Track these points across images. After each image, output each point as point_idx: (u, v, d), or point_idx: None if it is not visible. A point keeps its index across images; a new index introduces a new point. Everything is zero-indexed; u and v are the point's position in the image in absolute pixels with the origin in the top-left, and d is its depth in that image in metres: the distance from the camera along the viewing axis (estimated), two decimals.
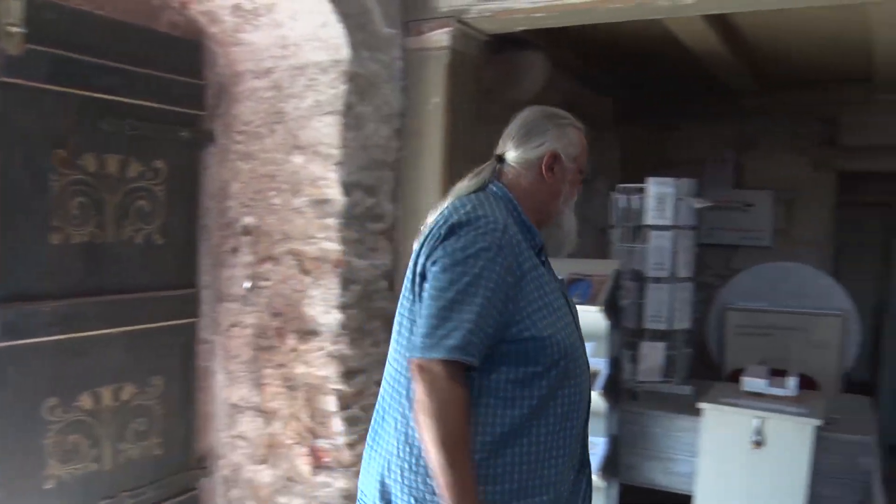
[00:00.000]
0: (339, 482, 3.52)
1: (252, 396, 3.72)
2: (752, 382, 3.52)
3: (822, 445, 3.53)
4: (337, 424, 3.50)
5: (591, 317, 3.48)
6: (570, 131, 2.08)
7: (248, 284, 3.69)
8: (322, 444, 3.55)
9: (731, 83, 5.76)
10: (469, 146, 4.00)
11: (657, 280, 3.98)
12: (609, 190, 4.37)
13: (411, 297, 1.94)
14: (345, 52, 3.41)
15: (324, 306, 3.48)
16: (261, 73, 3.65)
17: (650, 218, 3.95)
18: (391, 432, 1.93)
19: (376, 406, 2.04)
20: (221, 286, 3.77)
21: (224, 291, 3.77)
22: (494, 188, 2.05)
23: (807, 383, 4.81)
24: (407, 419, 1.89)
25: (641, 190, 4.01)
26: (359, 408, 3.57)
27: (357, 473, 3.50)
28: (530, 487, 1.85)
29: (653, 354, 4.00)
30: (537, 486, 1.85)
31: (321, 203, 3.47)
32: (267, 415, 3.68)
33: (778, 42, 4.96)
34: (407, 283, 1.97)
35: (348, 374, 3.50)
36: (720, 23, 4.44)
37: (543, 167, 2.05)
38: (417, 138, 3.72)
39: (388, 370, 2.01)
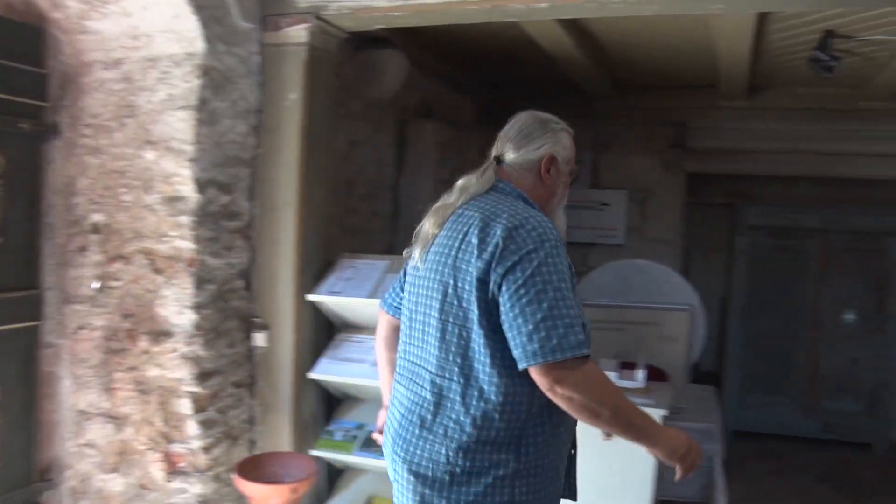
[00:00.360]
0: (195, 487, 3.43)
1: (101, 402, 3.57)
2: None
3: None
4: (192, 428, 3.41)
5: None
6: (563, 136, 2.21)
7: (96, 285, 3.53)
8: (176, 448, 3.44)
9: (586, 87, 5.95)
10: (328, 143, 3.97)
11: None
12: None
13: (457, 303, 1.97)
14: (199, 45, 3.32)
15: (177, 307, 3.38)
16: (110, 63, 3.51)
17: None
18: (437, 441, 1.96)
19: (406, 417, 2.05)
20: (68, 287, 3.60)
21: (70, 292, 3.60)
22: (506, 188, 2.13)
23: (657, 375, 5.02)
24: (462, 425, 1.93)
25: None
26: (214, 410, 3.49)
27: (214, 477, 3.45)
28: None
29: None
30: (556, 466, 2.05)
31: (174, 200, 3.37)
32: (117, 420, 3.54)
33: (630, 49, 5.16)
34: (446, 291, 2.00)
35: (203, 376, 3.42)
36: (575, 28, 4.57)
37: (542, 168, 2.16)
38: (274, 135, 3.67)
39: (427, 379, 2.02)
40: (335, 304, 3.80)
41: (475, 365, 1.94)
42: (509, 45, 5.07)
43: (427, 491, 1.96)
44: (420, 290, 2.11)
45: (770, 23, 4.39)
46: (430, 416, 1.99)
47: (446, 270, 2.01)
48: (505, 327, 1.88)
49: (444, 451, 1.94)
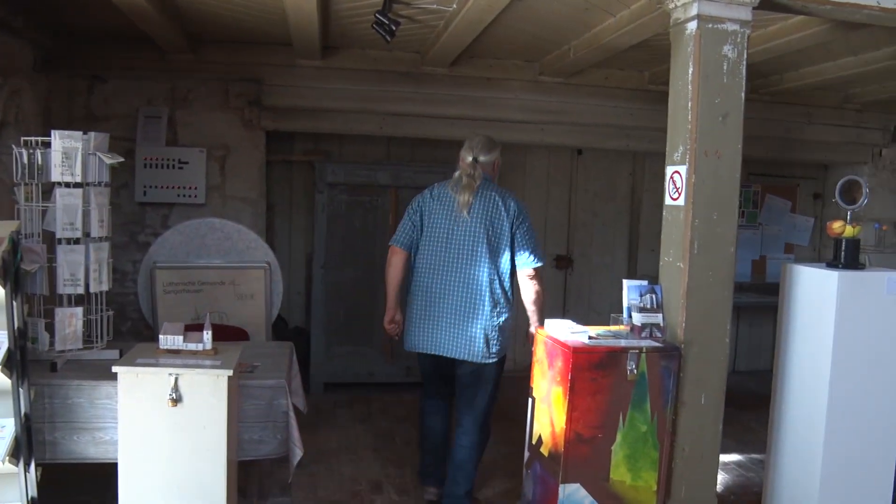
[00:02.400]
0: None
1: None
2: (168, 339, 3.49)
3: (244, 393, 3.68)
4: None
5: None
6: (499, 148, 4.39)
7: None
8: None
9: (158, 38, 5.63)
10: None
11: (69, 241, 3.72)
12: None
13: (496, 239, 4.10)
14: None
15: None
16: None
17: (57, 174, 3.64)
18: (494, 306, 4.10)
19: (457, 302, 4.12)
20: None
21: None
22: (487, 177, 4.25)
23: (237, 334, 5.01)
24: (501, 297, 4.13)
25: (48, 144, 3.67)
26: None
27: None
28: None
29: (70, 321, 3.74)
30: None
31: None
32: None
33: (202, 2, 4.97)
34: (489, 234, 4.09)
35: None
36: None
37: (494, 166, 4.32)
38: None
39: (484, 280, 4.08)
40: None
41: (503, 269, 4.12)
42: None
43: (488, 334, 4.10)
44: (464, 238, 4.11)
45: None
46: (486, 296, 4.09)
47: (485, 223, 4.10)
48: (514, 248, 4.11)
49: (496, 309, 4.11)
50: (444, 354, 4.15)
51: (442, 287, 4.13)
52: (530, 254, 4.11)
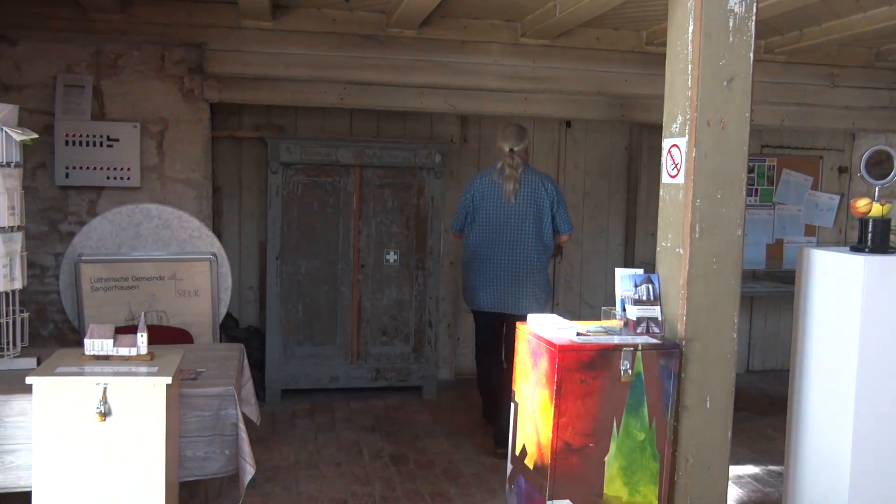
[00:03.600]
0: None
1: None
2: (95, 344, 3.45)
3: (186, 403, 3.65)
4: None
5: None
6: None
7: None
8: None
9: None
10: None
11: None
12: None
13: (540, 216, 5.67)
14: None
15: None
16: None
17: None
18: (538, 271, 5.75)
19: (515, 269, 5.67)
20: None
21: None
22: (524, 162, 5.74)
23: (179, 336, 4.97)
24: (544, 261, 5.81)
25: None
26: None
27: None
28: None
29: None
30: None
31: None
32: None
33: None
34: (535, 210, 5.65)
35: None
36: None
37: (527, 151, 5.83)
38: None
39: (529, 249, 5.68)
40: None
41: (546, 238, 5.72)
42: None
43: (535, 290, 5.72)
44: (513, 215, 5.63)
45: None
46: (535, 262, 5.69)
47: (532, 202, 5.62)
48: (556, 222, 5.72)
49: (542, 275, 5.79)
50: (505, 311, 5.71)
51: (499, 258, 5.69)
52: (567, 225, 5.81)
